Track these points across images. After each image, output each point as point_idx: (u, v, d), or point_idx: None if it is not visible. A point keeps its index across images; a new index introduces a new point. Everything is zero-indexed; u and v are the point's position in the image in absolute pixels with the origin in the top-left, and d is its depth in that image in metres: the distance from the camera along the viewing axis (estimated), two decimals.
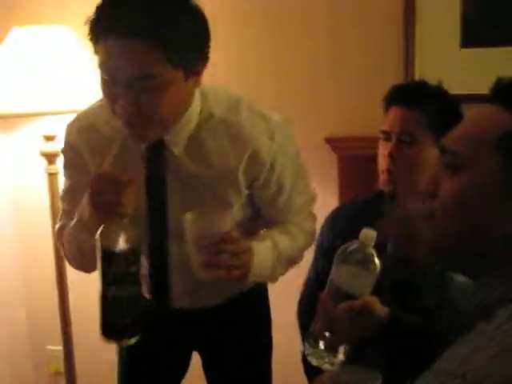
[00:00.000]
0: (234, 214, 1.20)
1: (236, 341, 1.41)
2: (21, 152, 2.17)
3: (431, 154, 1.30)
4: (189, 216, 1.10)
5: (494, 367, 0.61)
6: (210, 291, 1.28)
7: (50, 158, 1.93)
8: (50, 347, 2.24)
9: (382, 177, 1.39)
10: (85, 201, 1.09)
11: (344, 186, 1.88)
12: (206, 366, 1.50)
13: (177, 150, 1.16)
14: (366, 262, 0.99)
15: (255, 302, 1.44)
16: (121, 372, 1.47)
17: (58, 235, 1.30)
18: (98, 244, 1.00)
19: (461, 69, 1.85)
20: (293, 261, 1.31)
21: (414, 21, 1.83)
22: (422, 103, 1.33)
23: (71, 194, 1.25)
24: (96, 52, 1.06)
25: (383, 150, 1.38)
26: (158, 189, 1.19)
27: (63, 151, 1.28)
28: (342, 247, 1.02)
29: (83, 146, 1.21)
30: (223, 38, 1.73)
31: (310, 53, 1.93)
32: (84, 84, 1.82)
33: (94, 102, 1.27)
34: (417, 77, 1.84)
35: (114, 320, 1.03)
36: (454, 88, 1.83)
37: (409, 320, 1.06)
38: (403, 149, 1.34)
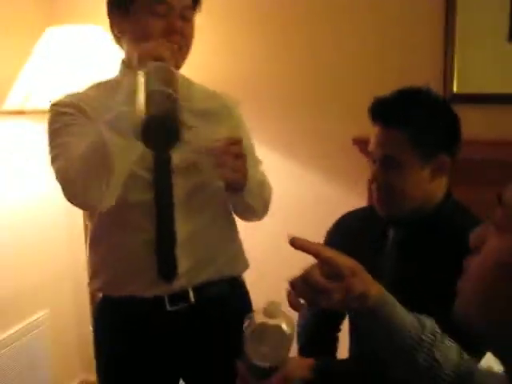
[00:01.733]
0: None
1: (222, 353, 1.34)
2: None
3: (419, 176, 1.18)
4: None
5: None
6: (208, 264, 1.34)
7: None
8: None
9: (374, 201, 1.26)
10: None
11: None
12: None
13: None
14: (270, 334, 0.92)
15: (240, 305, 1.40)
16: None
17: (65, 164, 1.19)
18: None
19: (507, 65, 1.74)
20: (267, 200, 1.42)
21: (455, 12, 1.74)
22: (402, 120, 1.16)
23: (72, 134, 1.21)
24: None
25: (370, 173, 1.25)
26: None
27: (54, 115, 1.26)
28: (245, 325, 0.94)
29: (79, 102, 1.25)
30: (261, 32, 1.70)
31: (339, 51, 1.89)
32: None
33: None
34: (456, 75, 1.74)
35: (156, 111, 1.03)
36: (498, 87, 1.75)
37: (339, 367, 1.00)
38: (386, 173, 1.19)
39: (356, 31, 1.91)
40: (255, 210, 1.39)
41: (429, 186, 1.20)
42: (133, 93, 1.11)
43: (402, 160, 1.16)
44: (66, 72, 1.85)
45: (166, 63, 1.10)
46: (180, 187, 1.29)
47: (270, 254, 2.12)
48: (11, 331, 2.12)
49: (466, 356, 0.86)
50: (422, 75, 1.82)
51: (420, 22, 1.83)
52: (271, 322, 0.92)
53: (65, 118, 1.24)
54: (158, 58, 1.10)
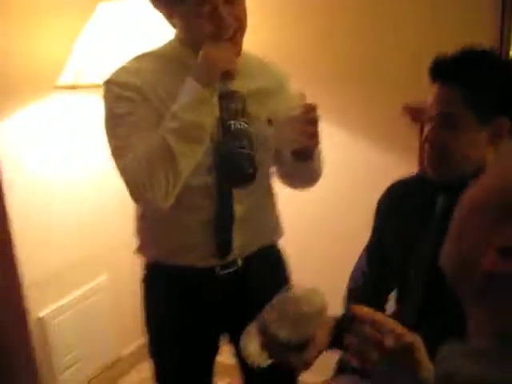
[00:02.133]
0: None
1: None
2: None
3: (475, 138, 1.14)
4: None
5: None
6: (257, 237, 1.41)
7: None
8: None
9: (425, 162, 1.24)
10: (190, 84, 1.20)
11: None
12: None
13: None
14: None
15: (278, 269, 1.51)
16: (153, 346, 1.53)
17: (131, 164, 1.21)
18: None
19: None
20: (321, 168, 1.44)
21: None
22: (461, 78, 1.13)
23: (138, 125, 1.23)
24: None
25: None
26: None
27: (114, 97, 1.25)
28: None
29: (138, 83, 1.24)
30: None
31: (388, 15, 1.84)
32: None
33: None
34: None
35: (234, 151, 1.23)
36: None
37: None
38: (441, 132, 1.16)
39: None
40: (319, 175, 1.44)
41: (486, 150, 1.17)
42: (198, 102, 1.18)
43: (458, 119, 1.14)
44: (117, 46, 1.89)
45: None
46: None
47: (318, 223, 2.14)
48: (73, 295, 2.24)
49: None
50: (477, 38, 1.76)
51: None
52: (306, 308, 0.96)
53: (127, 104, 1.23)
54: (226, 76, 1.21)
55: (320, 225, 2.13)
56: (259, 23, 1.97)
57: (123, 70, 1.29)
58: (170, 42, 1.35)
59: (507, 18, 1.70)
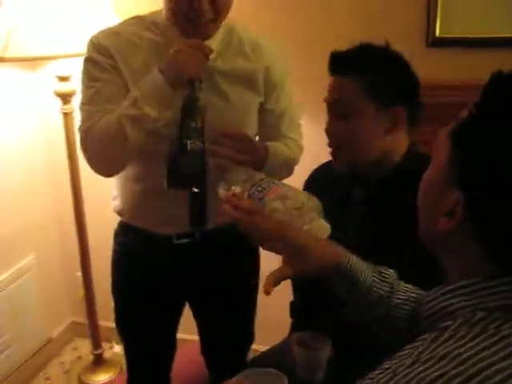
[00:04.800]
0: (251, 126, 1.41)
1: (224, 282, 1.50)
2: (38, 93, 2.22)
3: (371, 128, 1.16)
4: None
5: None
6: None
7: (66, 98, 1.98)
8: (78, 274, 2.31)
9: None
10: (157, 77, 1.21)
11: None
12: (196, 313, 1.61)
13: (212, 55, 1.28)
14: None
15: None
16: (119, 314, 1.56)
17: (85, 135, 1.29)
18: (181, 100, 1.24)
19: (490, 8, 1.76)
20: (291, 167, 1.49)
21: None
22: (355, 68, 1.15)
23: (102, 95, 1.28)
24: None
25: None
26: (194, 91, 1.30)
27: (89, 58, 1.30)
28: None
29: (113, 49, 1.28)
30: None
31: None
32: (98, 26, 1.78)
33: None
34: (439, 20, 1.76)
35: (184, 168, 1.26)
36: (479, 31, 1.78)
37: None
38: (338, 124, 1.18)
39: None
40: (289, 168, 1.48)
41: (386, 139, 1.17)
42: (160, 97, 1.21)
43: (353, 107, 1.15)
44: (45, 15, 1.80)
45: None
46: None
47: None
48: (1, 278, 2.15)
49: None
50: (406, 20, 1.83)
51: None
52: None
53: (98, 68, 1.28)
54: (194, 81, 1.24)
55: None
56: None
57: (104, 31, 1.33)
58: (161, 13, 1.33)
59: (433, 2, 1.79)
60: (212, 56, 1.28)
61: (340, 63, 1.18)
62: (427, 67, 1.80)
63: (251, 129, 1.39)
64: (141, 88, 1.22)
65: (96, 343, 2.30)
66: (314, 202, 1.02)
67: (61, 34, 1.79)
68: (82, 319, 2.40)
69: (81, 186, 2.07)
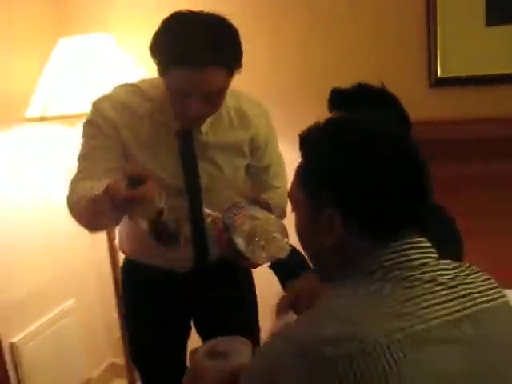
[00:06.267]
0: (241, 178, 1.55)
1: (225, 299, 1.64)
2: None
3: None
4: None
5: None
6: None
7: None
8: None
9: None
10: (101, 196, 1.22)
11: None
12: (199, 328, 1.75)
13: (204, 129, 1.44)
14: None
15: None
16: (131, 336, 1.75)
17: (71, 190, 1.39)
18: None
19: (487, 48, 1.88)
20: (284, 212, 1.57)
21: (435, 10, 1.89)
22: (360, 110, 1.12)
23: (94, 155, 1.39)
24: (163, 74, 1.29)
25: None
26: (191, 160, 1.45)
27: (93, 121, 1.40)
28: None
29: (119, 121, 1.39)
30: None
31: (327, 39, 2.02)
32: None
33: (116, 86, 1.46)
34: (440, 60, 1.89)
35: (165, 229, 1.29)
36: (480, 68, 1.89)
37: None
38: None
39: (338, 24, 2.03)
40: (280, 216, 1.53)
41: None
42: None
43: None
44: (80, 79, 1.99)
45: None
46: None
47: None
48: (42, 320, 2.29)
49: None
50: (410, 63, 1.98)
51: (405, 20, 1.95)
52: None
53: (95, 136, 1.39)
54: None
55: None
56: None
57: (109, 100, 1.42)
58: (159, 86, 1.39)
59: (433, 47, 1.92)
60: (204, 130, 1.43)
61: (344, 101, 1.26)
62: (431, 106, 1.95)
63: (240, 185, 1.54)
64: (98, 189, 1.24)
65: (132, 382, 2.40)
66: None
67: (90, 94, 1.95)
68: (121, 360, 2.51)
69: (115, 235, 2.18)
